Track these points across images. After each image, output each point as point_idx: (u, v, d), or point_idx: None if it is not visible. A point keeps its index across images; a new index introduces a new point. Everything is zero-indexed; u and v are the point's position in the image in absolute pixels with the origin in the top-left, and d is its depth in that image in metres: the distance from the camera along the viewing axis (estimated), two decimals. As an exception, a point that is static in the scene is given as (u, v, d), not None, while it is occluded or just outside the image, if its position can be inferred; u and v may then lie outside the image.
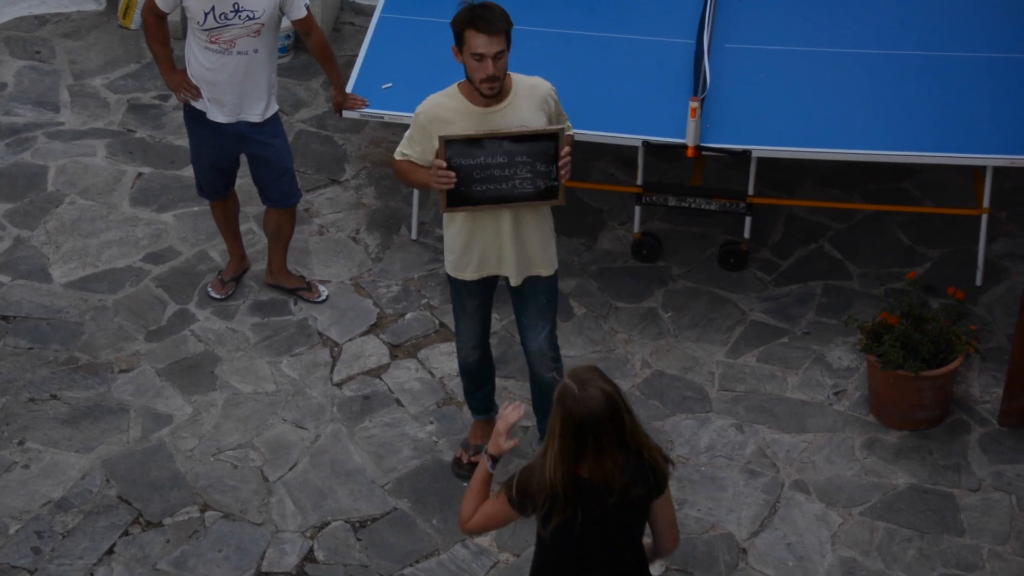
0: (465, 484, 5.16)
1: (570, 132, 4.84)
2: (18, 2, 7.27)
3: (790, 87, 5.99)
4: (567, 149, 4.70)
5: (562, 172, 4.71)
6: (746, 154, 5.76)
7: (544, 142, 4.69)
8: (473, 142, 4.65)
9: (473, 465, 5.12)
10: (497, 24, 4.51)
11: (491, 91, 4.60)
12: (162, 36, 5.43)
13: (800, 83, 6.01)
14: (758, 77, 5.98)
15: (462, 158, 4.66)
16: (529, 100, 4.69)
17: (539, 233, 4.85)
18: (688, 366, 5.67)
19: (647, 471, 3.77)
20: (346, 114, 5.86)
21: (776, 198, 6.27)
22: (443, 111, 4.67)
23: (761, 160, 5.88)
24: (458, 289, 4.96)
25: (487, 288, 4.98)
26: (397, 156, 4.80)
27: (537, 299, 4.92)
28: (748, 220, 6.01)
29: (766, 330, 5.82)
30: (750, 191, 5.93)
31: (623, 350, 5.73)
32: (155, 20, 5.40)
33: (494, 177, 4.71)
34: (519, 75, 4.73)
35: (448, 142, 4.63)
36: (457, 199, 4.73)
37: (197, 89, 5.41)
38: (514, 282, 4.90)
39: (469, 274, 4.88)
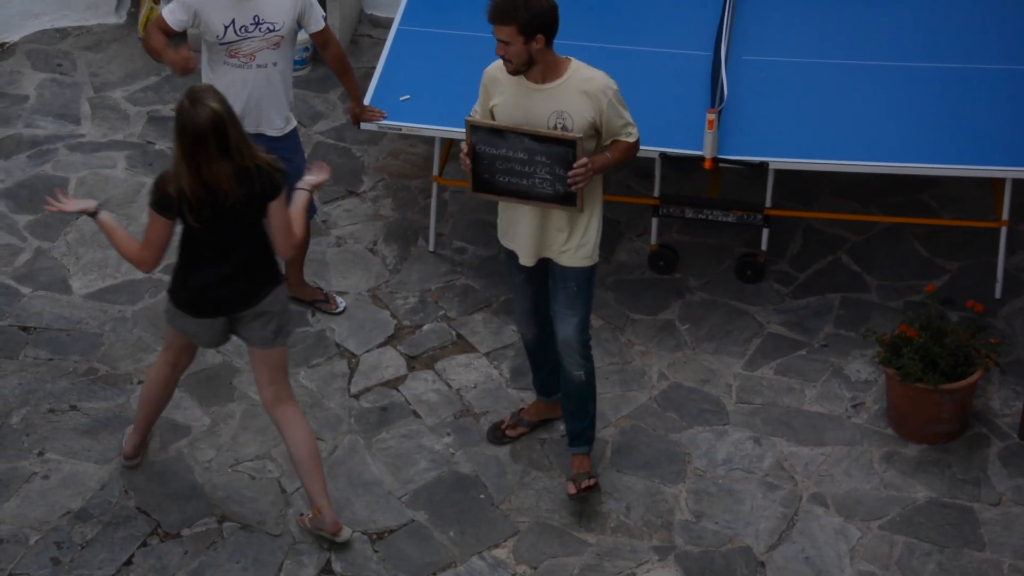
0: (495, 447, 5.32)
1: (632, 139, 4.84)
2: (40, 15, 7.32)
3: (807, 99, 5.99)
4: (583, 160, 4.71)
5: (570, 181, 4.73)
6: (763, 166, 5.75)
7: (563, 147, 4.72)
8: (496, 133, 4.75)
9: (510, 438, 5.34)
10: (494, 15, 4.69)
11: (511, 71, 4.73)
12: (164, 40, 5.30)
13: (818, 95, 6.00)
14: (772, 86, 5.98)
15: (487, 146, 4.78)
16: (578, 90, 4.73)
17: (561, 222, 4.87)
18: (705, 378, 5.66)
19: (263, 177, 4.61)
20: (364, 126, 5.88)
21: (793, 210, 6.27)
22: (500, 74, 4.81)
23: (778, 172, 5.87)
24: (507, 260, 5.09)
25: (533, 267, 5.00)
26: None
27: (567, 287, 4.97)
28: (765, 232, 6.01)
29: (784, 342, 5.81)
30: (767, 203, 5.93)
31: (640, 362, 5.73)
32: (160, 37, 5.29)
33: (515, 171, 4.79)
34: (583, 65, 4.79)
35: (473, 128, 4.75)
36: (483, 185, 4.86)
37: (193, 64, 5.26)
38: (523, 260, 4.97)
39: (508, 243, 5.02)
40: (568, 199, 4.80)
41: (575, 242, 4.92)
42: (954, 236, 6.22)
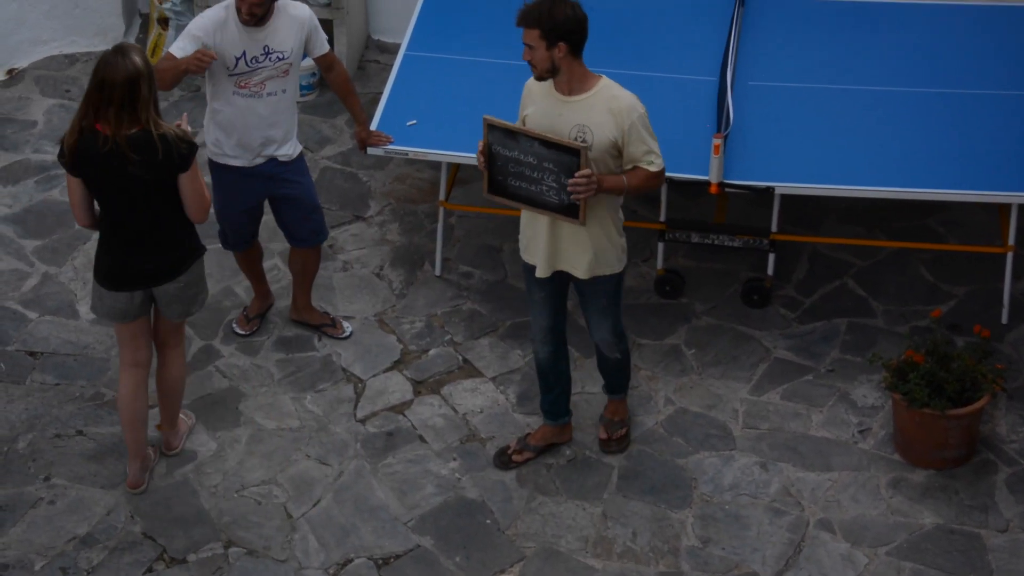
0: (501, 471, 5.34)
1: (654, 169, 4.85)
2: (49, 42, 7.35)
3: (813, 124, 6.00)
4: (586, 171, 4.74)
5: (570, 189, 4.76)
6: (769, 191, 5.76)
7: (569, 156, 4.75)
8: (510, 134, 4.80)
9: (516, 463, 5.34)
10: (520, 18, 4.77)
11: (536, 76, 4.80)
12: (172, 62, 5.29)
13: (824, 120, 6.01)
14: (778, 110, 6.00)
15: (502, 147, 4.84)
16: (604, 107, 4.79)
17: (578, 235, 4.92)
18: (712, 403, 5.66)
19: (168, 147, 4.72)
20: (371, 151, 5.90)
21: (799, 235, 6.27)
22: (534, 85, 4.92)
23: (784, 197, 5.88)
24: (527, 275, 5.13)
25: (552, 282, 5.05)
26: None
27: (597, 300, 5.09)
28: (772, 257, 6.01)
29: (790, 367, 5.80)
30: (773, 228, 5.93)
31: (646, 387, 5.72)
32: (171, 64, 5.23)
33: (525, 176, 4.84)
34: (614, 84, 4.85)
35: (490, 126, 4.81)
36: (496, 187, 4.92)
37: (211, 55, 5.22)
38: (539, 272, 5.02)
39: (528, 257, 5.07)
40: (571, 210, 4.82)
41: (592, 256, 4.96)
42: (960, 261, 6.21)
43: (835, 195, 5.95)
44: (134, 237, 4.91)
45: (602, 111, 4.78)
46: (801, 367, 5.81)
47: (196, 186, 4.86)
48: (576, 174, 4.74)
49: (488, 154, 4.87)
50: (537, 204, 4.87)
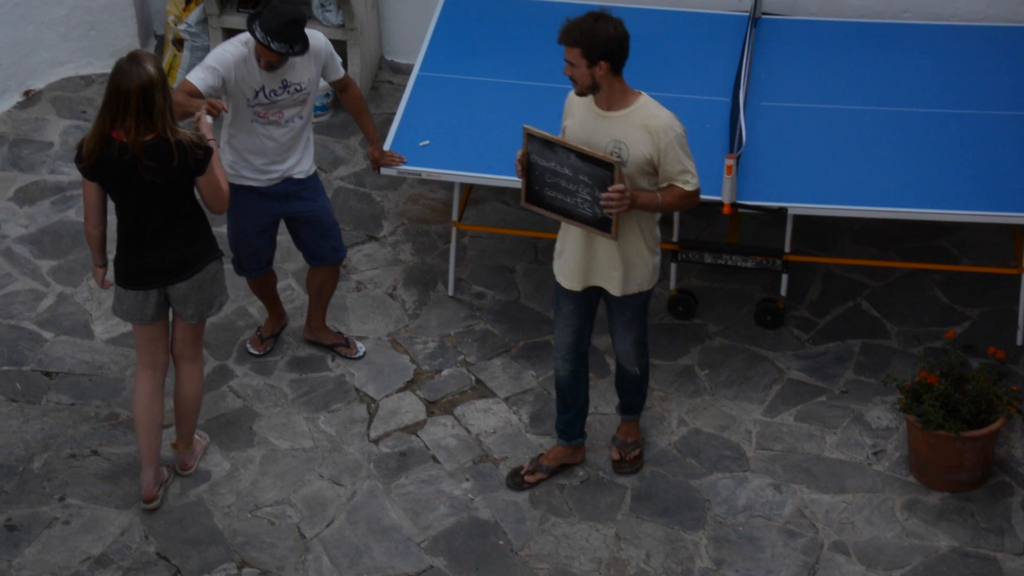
0: (514, 492, 5.33)
1: (689, 188, 4.88)
2: (65, 63, 7.40)
3: (826, 145, 6.00)
4: (619, 186, 4.77)
5: (603, 203, 4.79)
6: (782, 211, 5.76)
7: (603, 169, 4.79)
8: (548, 144, 4.85)
9: (529, 484, 5.36)
10: (562, 36, 4.80)
11: (576, 92, 4.86)
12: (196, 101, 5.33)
13: (836, 141, 6.02)
14: (791, 131, 6.00)
15: (540, 157, 4.89)
16: (640, 124, 4.82)
17: (610, 251, 4.95)
18: (725, 424, 5.65)
19: (184, 153, 4.80)
20: (384, 171, 5.91)
21: (813, 256, 6.27)
22: (575, 99, 4.95)
23: (797, 217, 5.88)
24: (556, 289, 5.17)
25: (582, 297, 5.07)
26: None
27: (623, 314, 5.15)
28: (785, 278, 6.00)
29: (804, 388, 5.79)
30: (786, 248, 5.93)
31: (660, 408, 5.72)
32: (185, 98, 5.25)
33: (561, 187, 4.88)
34: (652, 102, 4.88)
35: (529, 136, 4.86)
36: (533, 196, 4.97)
37: (222, 106, 5.27)
38: (567, 284, 5.06)
39: (558, 270, 5.11)
40: (604, 224, 4.86)
41: (624, 272, 4.99)
42: (974, 282, 6.20)
43: (848, 216, 5.95)
44: (148, 237, 4.97)
45: (639, 128, 4.82)
46: (815, 388, 5.80)
47: (214, 181, 4.93)
48: (609, 188, 4.77)
49: (526, 163, 4.91)
50: (572, 216, 4.92)
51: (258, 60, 5.27)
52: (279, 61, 5.25)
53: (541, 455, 5.44)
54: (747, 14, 6.57)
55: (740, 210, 5.77)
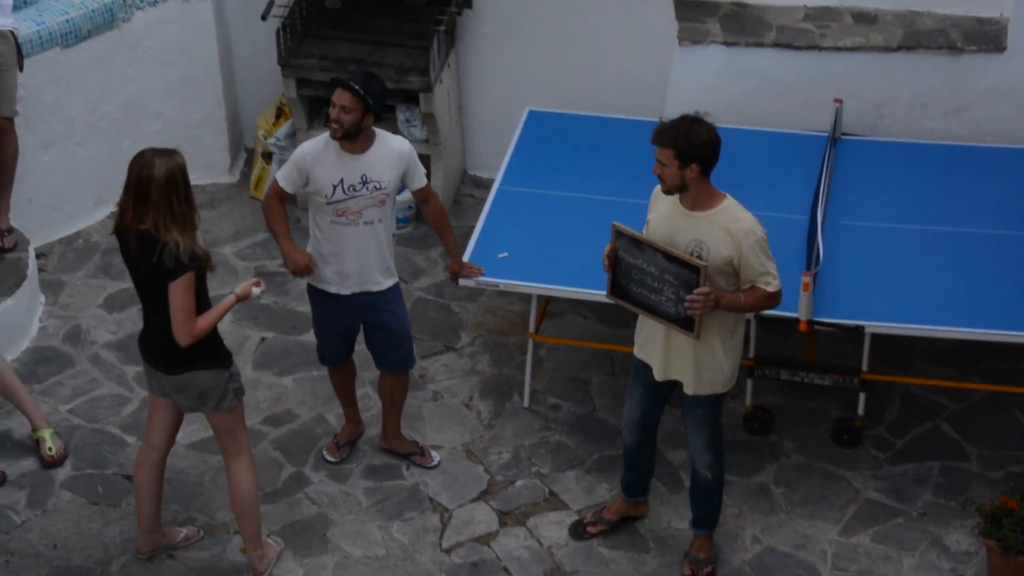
0: (575, 543, 5.45)
1: (771, 289, 4.95)
2: (157, 173, 7.60)
3: (905, 264, 5.99)
4: (704, 288, 4.85)
5: (687, 304, 4.87)
6: (859, 330, 5.74)
7: (689, 271, 4.88)
8: (636, 243, 4.98)
9: (591, 534, 5.52)
10: (656, 136, 4.91)
11: (663, 190, 4.97)
12: (283, 216, 5.56)
13: (915, 260, 6.00)
14: (868, 250, 5.99)
15: (627, 254, 5.02)
16: (722, 226, 4.92)
17: (688, 349, 5.02)
18: (800, 543, 5.57)
19: (164, 255, 4.81)
20: (462, 282, 6.00)
21: (891, 375, 6.21)
22: (660, 195, 5.04)
23: (876, 336, 5.85)
24: (634, 369, 5.27)
25: (655, 385, 5.19)
26: None
27: (694, 411, 5.21)
28: (862, 396, 5.96)
29: (881, 509, 5.71)
30: (864, 367, 5.89)
31: (733, 524, 5.66)
32: (279, 204, 5.54)
33: (646, 284, 4.99)
34: (736, 204, 4.97)
35: (619, 233, 5.00)
36: (618, 290, 5.09)
37: (313, 270, 5.52)
38: (657, 375, 5.16)
39: (641, 355, 5.19)
40: (687, 323, 4.94)
41: (701, 372, 5.06)
42: (1057, 405, 6.11)
43: (926, 335, 5.90)
44: (145, 316, 5.09)
45: (721, 230, 4.90)
46: (892, 509, 5.71)
47: (179, 304, 4.89)
48: (695, 291, 4.83)
49: (614, 258, 5.02)
50: (655, 312, 5.02)
51: (331, 128, 5.36)
52: (346, 115, 5.30)
53: (604, 508, 5.51)
54: (827, 134, 6.63)
55: (817, 327, 5.75)
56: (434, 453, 6.01)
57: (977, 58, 6.67)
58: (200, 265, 4.92)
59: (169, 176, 4.84)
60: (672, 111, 6.32)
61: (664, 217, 5.00)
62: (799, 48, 6.75)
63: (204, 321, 4.98)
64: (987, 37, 6.73)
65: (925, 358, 6.39)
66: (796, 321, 5.70)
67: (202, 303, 5.01)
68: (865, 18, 6.91)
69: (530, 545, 5.61)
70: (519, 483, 5.88)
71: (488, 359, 6.52)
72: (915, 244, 6.08)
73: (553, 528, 5.67)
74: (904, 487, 5.80)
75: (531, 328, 6.18)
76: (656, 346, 5.13)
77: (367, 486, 5.90)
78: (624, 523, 5.55)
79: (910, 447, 6.00)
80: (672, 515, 5.66)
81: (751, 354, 6.01)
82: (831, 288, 5.82)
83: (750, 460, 5.95)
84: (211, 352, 5.08)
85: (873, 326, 5.72)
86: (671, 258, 4.88)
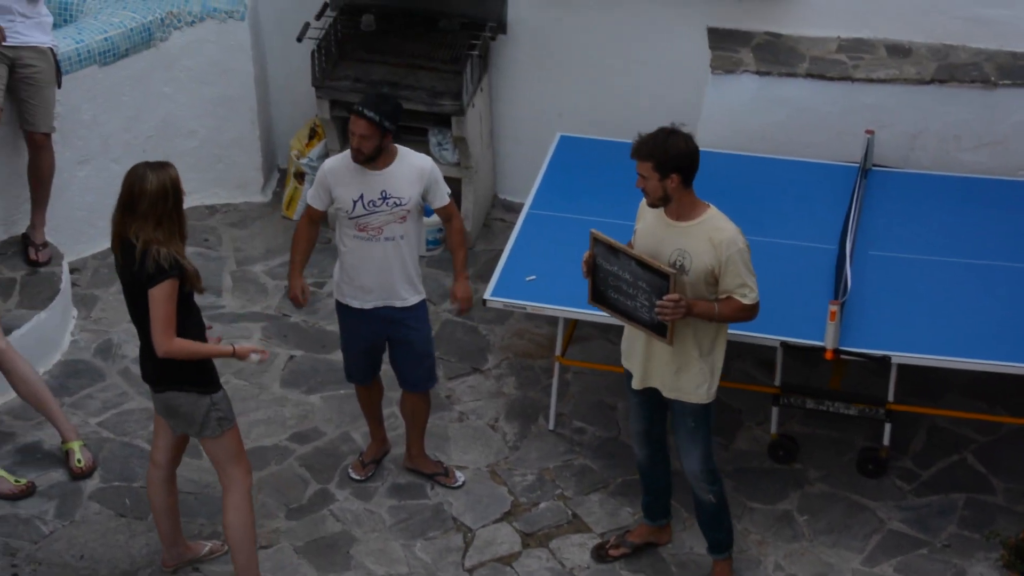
0: (597, 565, 5.49)
1: (747, 301, 4.98)
2: (191, 192, 7.62)
3: (934, 295, 5.98)
4: (674, 295, 4.90)
5: (657, 311, 4.92)
6: (886, 360, 5.73)
7: (660, 279, 4.96)
8: (612, 250, 5.07)
9: (613, 558, 5.53)
10: (635, 150, 4.95)
11: (647, 203, 5.01)
12: (309, 239, 5.61)
13: (944, 292, 5.99)
14: (897, 280, 5.99)
15: (604, 261, 5.10)
16: (706, 236, 4.96)
17: (670, 354, 5.05)
18: (823, 572, 5.56)
19: (144, 261, 4.77)
20: (490, 304, 6.01)
21: (917, 406, 6.20)
22: (646, 206, 5.07)
23: (903, 367, 5.84)
24: (626, 380, 5.29)
25: (647, 392, 5.20)
26: None
27: (685, 422, 5.20)
28: (888, 427, 5.94)
29: (905, 540, 5.69)
30: (890, 398, 5.88)
31: (756, 551, 5.65)
32: (307, 228, 5.61)
33: (623, 290, 5.07)
34: (719, 215, 5.00)
35: (596, 240, 5.09)
36: (598, 296, 5.18)
37: (305, 303, 5.62)
38: (634, 383, 5.20)
39: (627, 364, 5.25)
40: (661, 329, 5.02)
41: (685, 380, 5.07)
42: (1085, 439, 6.08)
43: (953, 367, 5.88)
44: (139, 333, 5.02)
45: (703, 240, 4.94)
46: (916, 540, 5.69)
47: (158, 312, 4.81)
48: (664, 297, 4.89)
49: (593, 265, 5.08)
50: (632, 318, 5.11)
51: (352, 151, 5.42)
52: (367, 141, 5.35)
53: (628, 531, 5.51)
54: (858, 165, 6.64)
55: (843, 357, 5.75)
56: (458, 473, 6.03)
57: (1011, 92, 6.67)
58: (184, 276, 4.84)
59: (160, 188, 4.81)
60: (705, 140, 6.37)
61: (649, 228, 5.06)
62: (832, 79, 6.77)
63: (186, 345, 4.88)
64: (1021, 72, 6.73)
65: (956, 390, 6.37)
66: (823, 350, 5.70)
67: (189, 321, 4.93)
68: (899, 51, 6.93)
69: (552, 567, 5.62)
70: (542, 505, 5.90)
71: (514, 381, 6.54)
72: (944, 276, 6.08)
73: (576, 550, 5.67)
74: (928, 518, 5.78)
75: (558, 351, 6.20)
76: (636, 353, 5.18)
77: (391, 504, 5.92)
78: (647, 548, 5.56)
79: (935, 479, 5.98)
80: (694, 540, 5.65)
81: (777, 382, 6.01)
82: (858, 318, 5.82)
83: (774, 488, 5.94)
84: (194, 376, 4.99)
85: (900, 356, 5.72)
86: (644, 265, 4.98)
